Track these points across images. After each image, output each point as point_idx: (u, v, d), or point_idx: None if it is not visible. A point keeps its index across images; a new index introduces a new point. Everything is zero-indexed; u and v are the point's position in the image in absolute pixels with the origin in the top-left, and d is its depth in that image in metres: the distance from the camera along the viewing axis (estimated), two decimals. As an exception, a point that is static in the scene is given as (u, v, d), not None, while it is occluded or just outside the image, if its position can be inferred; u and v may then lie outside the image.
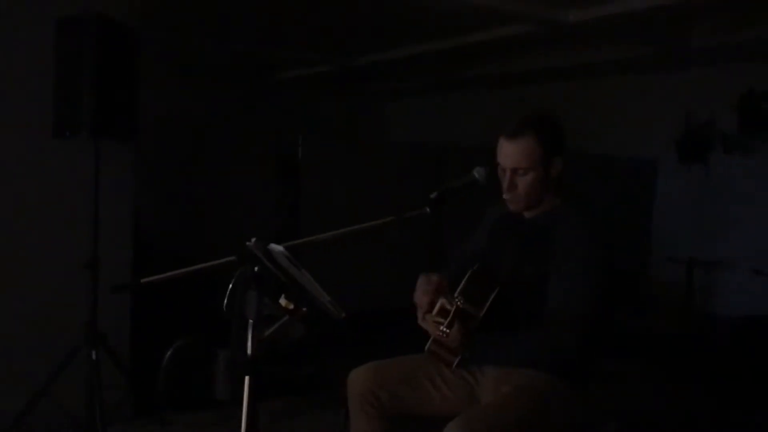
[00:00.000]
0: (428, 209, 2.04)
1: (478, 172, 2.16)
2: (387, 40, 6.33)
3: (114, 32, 3.13)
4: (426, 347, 2.22)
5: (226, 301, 1.74)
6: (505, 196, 2.24)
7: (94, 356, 3.15)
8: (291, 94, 8.30)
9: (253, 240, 1.71)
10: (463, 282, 2.19)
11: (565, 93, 7.47)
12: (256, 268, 1.72)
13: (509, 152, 2.19)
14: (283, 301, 1.74)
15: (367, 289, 5.92)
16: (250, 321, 1.72)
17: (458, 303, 2.02)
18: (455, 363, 2.16)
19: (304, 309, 1.76)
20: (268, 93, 8.08)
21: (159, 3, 4.60)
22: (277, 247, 1.69)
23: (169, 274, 1.77)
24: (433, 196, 2.05)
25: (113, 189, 3.39)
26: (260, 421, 1.79)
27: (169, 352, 3.43)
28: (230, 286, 1.73)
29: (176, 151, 6.02)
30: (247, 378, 1.74)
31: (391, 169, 6.17)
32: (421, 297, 2.20)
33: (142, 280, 1.77)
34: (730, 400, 4.51)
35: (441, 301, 2.11)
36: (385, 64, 7.06)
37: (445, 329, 1.99)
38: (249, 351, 1.72)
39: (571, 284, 2.09)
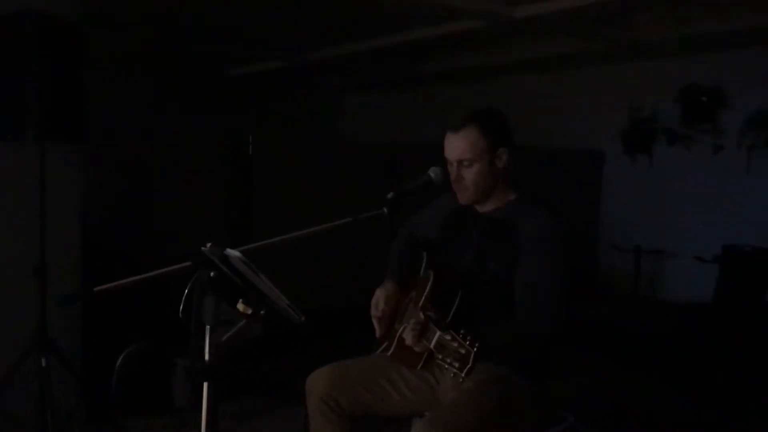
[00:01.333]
0: (385, 210, 2.05)
1: (433, 172, 2.20)
2: (338, 36, 6.32)
3: (56, 30, 3.04)
4: (389, 353, 2.23)
5: (182, 307, 1.73)
6: (453, 188, 2.25)
7: (44, 363, 3.08)
8: (243, 92, 8.20)
9: (209, 245, 1.70)
10: (427, 289, 2.20)
11: (514, 87, 7.57)
12: (212, 274, 1.71)
13: (454, 145, 2.22)
14: (240, 306, 1.73)
15: (326, 286, 5.90)
16: (208, 327, 1.71)
17: (428, 314, 2.02)
18: (420, 365, 2.18)
19: (262, 313, 1.76)
20: (220, 91, 7.97)
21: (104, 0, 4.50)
22: (233, 252, 1.68)
23: (123, 281, 1.74)
24: (389, 197, 2.06)
25: (60, 192, 3.31)
26: (220, 424, 1.78)
27: (120, 358, 3.37)
28: (186, 291, 1.72)
29: (125, 152, 5.90)
30: (206, 384, 1.73)
31: (347, 165, 6.15)
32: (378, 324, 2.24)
33: (95, 289, 1.74)
34: (679, 385, 4.66)
35: (403, 326, 2.09)
36: (336, 60, 7.05)
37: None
38: (207, 357, 1.71)
39: (539, 279, 2.12)
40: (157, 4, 5.26)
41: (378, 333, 2.26)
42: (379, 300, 2.28)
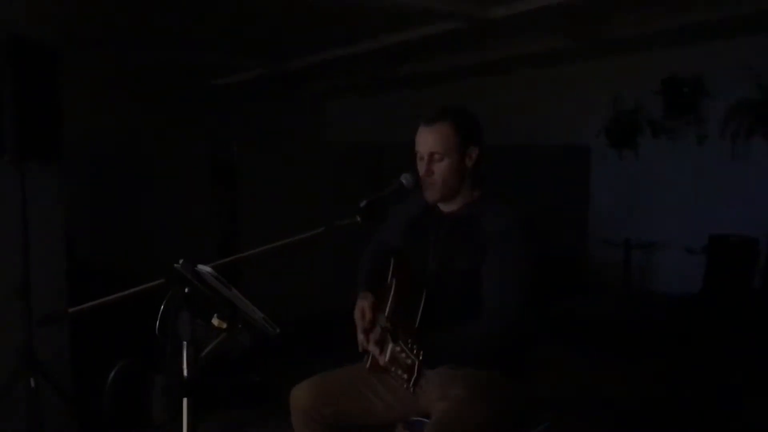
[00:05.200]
0: (359, 218, 2.05)
1: (405, 179, 2.20)
2: (317, 42, 6.33)
3: (31, 52, 3.05)
4: (367, 366, 2.24)
5: (158, 323, 1.73)
6: (422, 183, 2.24)
7: (32, 384, 3.08)
8: (224, 101, 8.19)
9: (181, 261, 1.70)
10: (389, 297, 2.20)
11: (495, 87, 7.60)
12: (186, 290, 1.71)
13: (426, 138, 2.23)
14: (215, 321, 1.73)
15: (309, 293, 5.91)
16: (185, 342, 1.71)
17: (385, 326, 2.02)
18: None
19: (240, 326, 1.76)
20: (201, 101, 7.96)
21: (81, 15, 4.49)
22: (204, 268, 1.68)
23: (97, 301, 1.75)
24: (362, 204, 2.06)
25: (42, 212, 3.30)
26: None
27: (111, 374, 3.37)
28: (162, 308, 1.72)
29: (108, 166, 5.89)
30: (185, 399, 1.73)
31: (330, 169, 6.18)
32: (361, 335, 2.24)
33: (70, 310, 1.74)
34: (670, 376, 4.68)
35: (392, 347, 2.03)
36: (317, 66, 7.05)
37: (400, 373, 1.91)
38: (185, 373, 1.72)
39: (502, 275, 2.10)
40: (136, 19, 5.26)
41: (361, 346, 2.24)
42: (365, 311, 2.25)
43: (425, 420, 2.22)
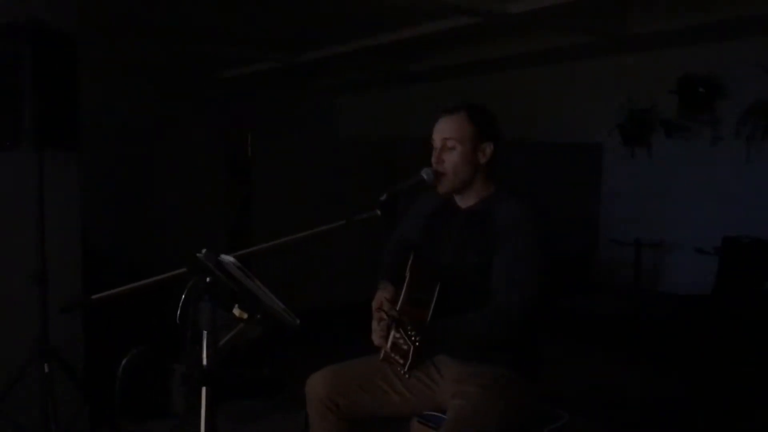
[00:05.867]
0: (378, 212, 2.05)
1: (425, 173, 2.20)
2: (331, 35, 6.33)
3: (50, 39, 3.05)
4: (380, 358, 2.25)
5: (178, 313, 1.74)
6: (434, 173, 2.24)
7: (46, 370, 3.09)
8: (238, 93, 8.22)
9: (204, 251, 1.70)
10: (404, 289, 2.21)
11: (510, 82, 7.59)
12: (207, 279, 1.71)
13: (443, 126, 2.25)
14: (236, 311, 1.74)
15: (324, 286, 5.93)
16: (204, 332, 1.72)
17: (390, 314, 2.03)
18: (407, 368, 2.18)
19: (259, 317, 1.77)
20: (215, 93, 7.99)
21: (98, 6, 4.50)
22: (228, 258, 1.69)
23: (119, 289, 1.75)
24: (382, 198, 2.06)
25: (58, 200, 3.31)
26: (219, 428, 1.79)
27: (123, 362, 3.38)
28: (182, 297, 1.72)
29: (123, 157, 5.91)
30: (203, 389, 1.74)
31: (343, 163, 6.18)
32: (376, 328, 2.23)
33: (93, 297, 1.75)
34: (680, 375, 4.67)
35: (393, 334, 2.06)
36: (331, 60, 7.05)
37: (401, 363, 1.96)
38: (204, 362, 1.72)
39: (509, 267, 2.11)
40: (151, 11, 5.27)
41: (376, 337, 2.25)
42: (382, 302, 2.26)
43: (440, 415, 2.23)
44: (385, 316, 2.13)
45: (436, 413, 2.27)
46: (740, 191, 5.99)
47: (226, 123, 7.52)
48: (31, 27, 2.97)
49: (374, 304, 2.29)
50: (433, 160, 2.24)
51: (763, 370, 4.45)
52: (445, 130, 2.23)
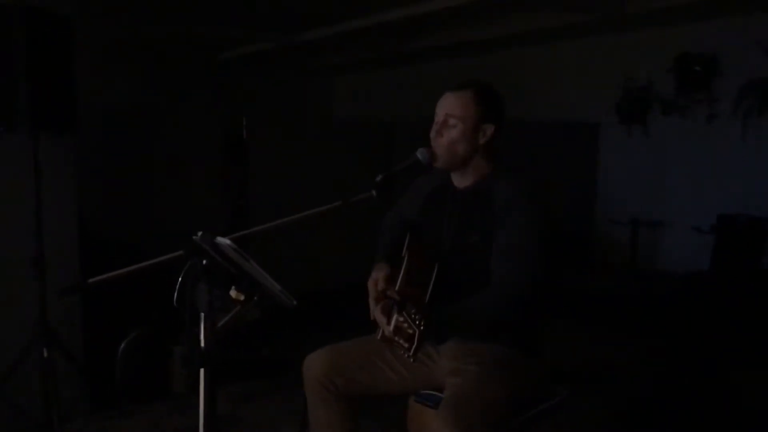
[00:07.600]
0: (374, 193, 2.06)
1: (420, 153, 2.20)
2: (329, 14, 6.28)
3: (45, 22, 3.04)
4: (378, 337, 2.25)
5: (176, 295, 1.75)
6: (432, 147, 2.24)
7: (46, 353, 3.11)
8: (234, 75, 8.17)
9: (200, 233, 1.71)
10: (402, 270, 2.21)
11: (507, 61, 7.55)
12: (204, 261, 1.72)
13: (447, 101, 2.24)
14: (233, 293, 1.75)
15: (320, 267, 5.95)
16: (202, 314, 1.73)
17: (391, 295, 2.02)
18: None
19: (256, 298, 1.78)
20: (211, 74, 7.94)
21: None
22: (224, 240, 1.69)
23: (117, 272, 1.76)
24: (378, 179, 2.06)
25: (55, 183, 3.31)
26: (218, 408, 1.81)
27: (123, 344, 3.41)
28: (179, 280, 1.73)
29: (119, 139, 5.89)
30: (202, 370, 1.76)
31: (340, 145, 6.17)
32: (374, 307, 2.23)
33: (90, 281, 1.75)
34: (677, 353, 4.70)
35: (396, 317, 2.05)
36: (328, 40, 7.01)
37: (405, 345, 1.93)
38: (203, 343, 1.74)
39: (508, 245, 2.09)
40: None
41: (371, 315, 2.26)
42: (378, 281, 2.26)
43: (437, 393, 2.25)
44: (385, 297, 2.14)
45: (433, 392, 2.29)
46: (736, 169, 5.99)
47: (222, 105, 7.49)
48: (24, 9, 2.96)
49: (370, 283, 2.28)
50: (432, 133, 2.24)
51: (759, 347, 4.48)
52: (449, 107, 2.22)
